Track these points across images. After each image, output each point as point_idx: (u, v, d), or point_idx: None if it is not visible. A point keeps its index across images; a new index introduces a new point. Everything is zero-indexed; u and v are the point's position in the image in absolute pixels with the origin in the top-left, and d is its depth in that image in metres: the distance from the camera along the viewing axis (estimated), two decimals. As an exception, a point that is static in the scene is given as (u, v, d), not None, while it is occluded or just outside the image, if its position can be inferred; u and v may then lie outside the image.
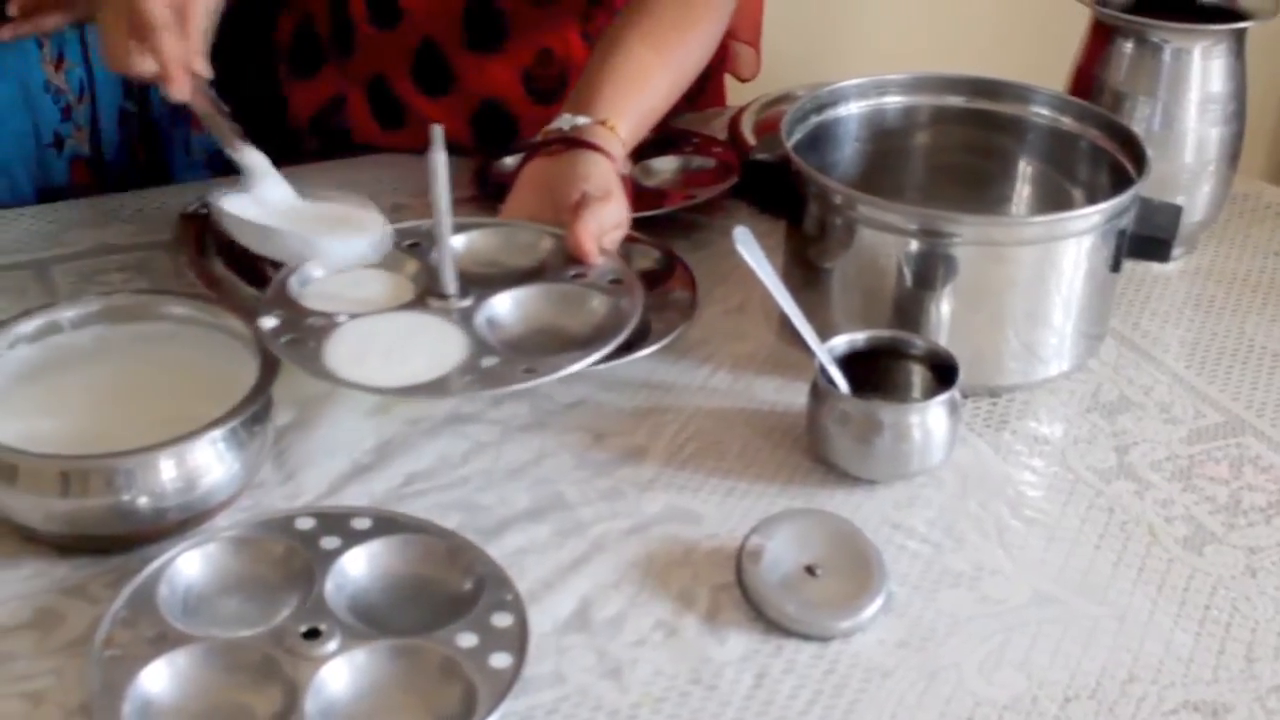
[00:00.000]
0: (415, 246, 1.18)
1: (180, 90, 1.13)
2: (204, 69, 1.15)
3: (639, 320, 1.12)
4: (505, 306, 1.13)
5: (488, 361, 1.06)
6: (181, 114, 1.58)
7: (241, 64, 1.43)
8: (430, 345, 1.08)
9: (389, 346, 1.08)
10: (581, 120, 1.23)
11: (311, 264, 1.15)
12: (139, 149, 1.58)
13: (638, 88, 1.32)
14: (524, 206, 1.25)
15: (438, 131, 1.09)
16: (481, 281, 1.15)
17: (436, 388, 1.04)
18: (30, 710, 0.90)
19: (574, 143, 1.24)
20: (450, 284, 1.12)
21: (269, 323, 1.09)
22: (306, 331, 1.08)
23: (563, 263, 1.17)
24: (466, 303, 1.12)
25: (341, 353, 1.07)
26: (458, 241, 1.17)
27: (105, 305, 1.14)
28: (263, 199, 1.18)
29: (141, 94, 1.55)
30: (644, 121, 1.33)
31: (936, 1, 2.37)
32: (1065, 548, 1.06)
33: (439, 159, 1.10)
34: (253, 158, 1.18)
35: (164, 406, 1.07)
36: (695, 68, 1.40)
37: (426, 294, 1.13)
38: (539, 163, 1.26)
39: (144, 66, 1.13)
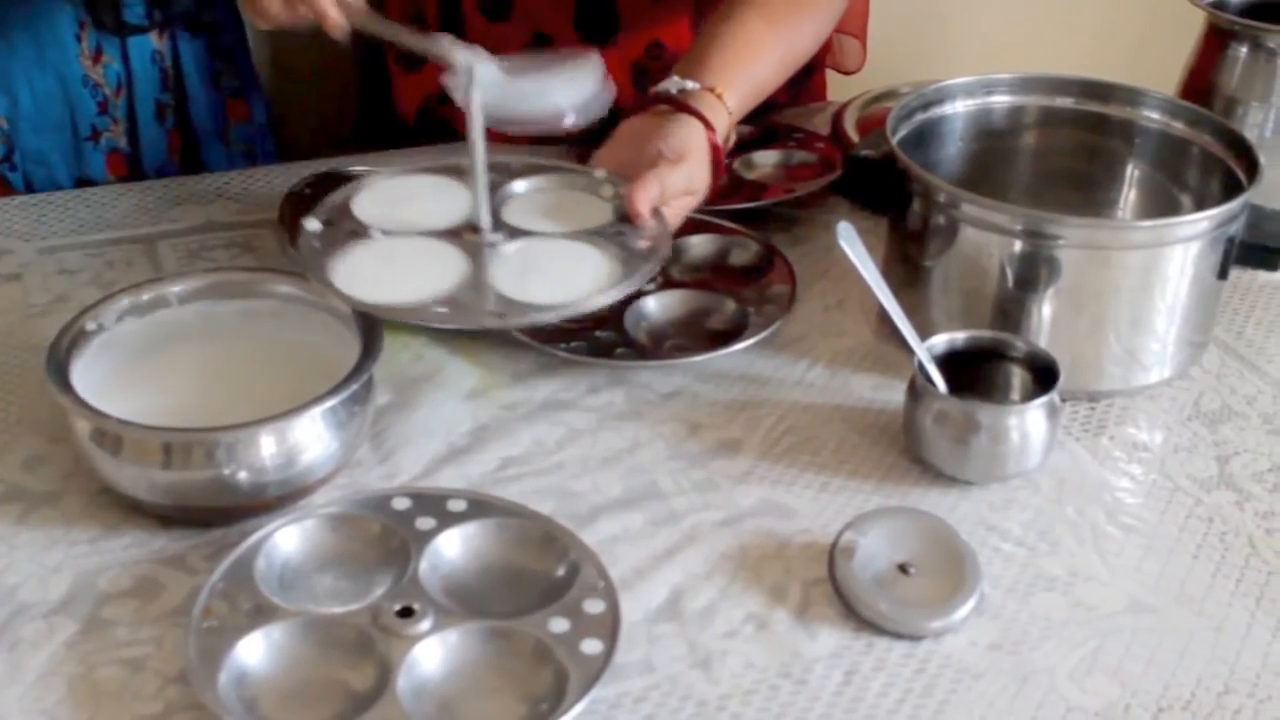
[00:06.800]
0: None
1: (339, 27, 1.15)
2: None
3: (646, 283, 1.17)
4: (519, 245, 1.16)
5: (466, 297, 1.10)
6: (218, 106, 1.60)
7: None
8: (435, 273, 1.12)
9: (395, 268, 1.13)
10: (690, 85, 1.23)
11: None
12: (175, 142, 1.58)
13: (748, 58, 1.31)
14: (611, 158, 1.26)
15: (476, 68, 1.12)
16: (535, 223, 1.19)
17: (395, 311, 1.09)
18: (130, 676, 0.92)
19: (677, 105, 1.24)
20: (484, 218, 1.16)
21: (313, 224, 1.16)
22: (340, 238, 1.15)
23: (617, 216, 1.19)
24: (496, 238, 1.16)
25: (352, 265, 1.12)
26: (521, 184, 1.23)
27: (212, 281, 1.15)
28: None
29: (178, 87, 1.56)
30: (752, 93, 1.32)
31: (1043, 1, 2.34)
32: (1162, 556, 1.05)
33: (475, 97, 1.13)
34: (461, 52, 1.15)
35: (266, 383, 1.09)
36: (808, 46, 1.40)
37: (467, 226, 1.17)
38: (636, 119, 1.27)
39: (297, 12, 1.16)
